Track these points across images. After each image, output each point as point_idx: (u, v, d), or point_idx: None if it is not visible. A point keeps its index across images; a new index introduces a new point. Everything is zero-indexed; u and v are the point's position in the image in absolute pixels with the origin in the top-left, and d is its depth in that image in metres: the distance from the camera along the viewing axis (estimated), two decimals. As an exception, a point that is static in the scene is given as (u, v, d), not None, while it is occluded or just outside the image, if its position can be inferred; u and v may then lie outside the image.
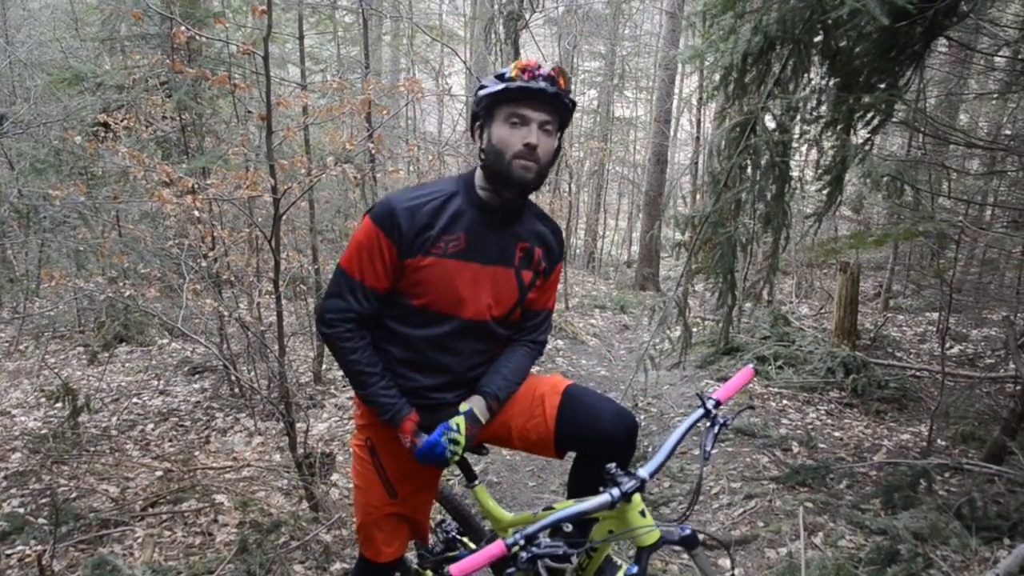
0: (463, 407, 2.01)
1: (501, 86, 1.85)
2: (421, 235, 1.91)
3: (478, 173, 2.00)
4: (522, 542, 1.54)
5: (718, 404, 1.96)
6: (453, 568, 1.43)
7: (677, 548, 2.19)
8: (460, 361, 2.06)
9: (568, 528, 1.71)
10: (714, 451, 4.97)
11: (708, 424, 1.94)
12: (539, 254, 2.08)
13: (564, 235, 2.20)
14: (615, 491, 1.71)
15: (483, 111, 1.92)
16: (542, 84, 1.84)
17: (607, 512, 1.77)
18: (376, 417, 2.06)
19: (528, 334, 2.21)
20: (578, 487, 2.20)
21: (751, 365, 2.14)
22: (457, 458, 1.98)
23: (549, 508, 1.99)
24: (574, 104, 1.95)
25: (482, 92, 1.90)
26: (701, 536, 3.73)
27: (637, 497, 1.78)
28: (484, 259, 1.98)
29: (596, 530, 1.96)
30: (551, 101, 1.87)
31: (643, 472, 1.79)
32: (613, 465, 1.79)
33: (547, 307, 2.23)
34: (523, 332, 2.20)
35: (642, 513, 1.79)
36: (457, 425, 1.96)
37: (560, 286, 12.46)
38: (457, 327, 2.01)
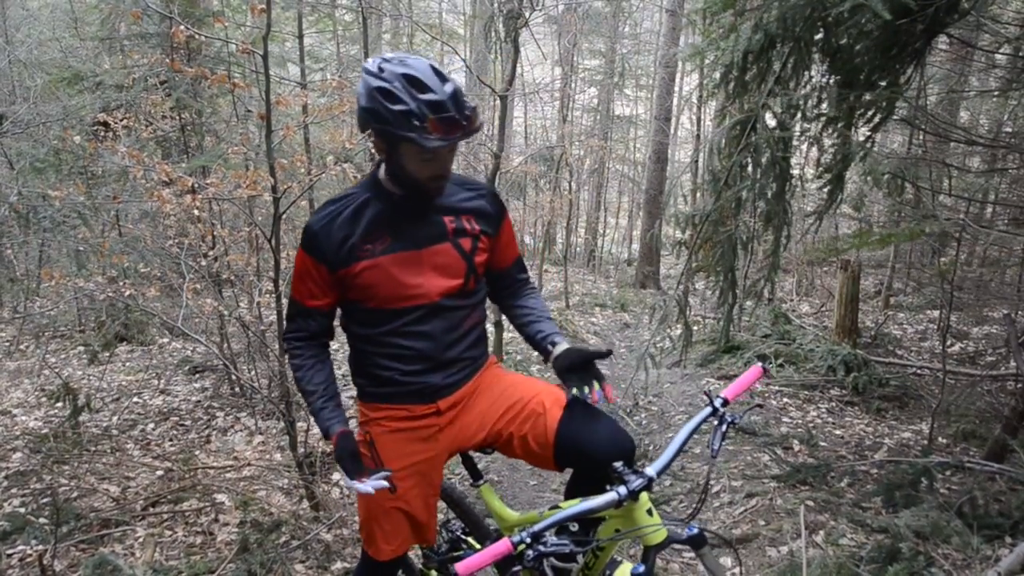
0: (558, 350, 2.11)
1: (426, 143, 1.78)
2: (343, 246, 1.98)
3: (383, 169, 2.02)
4: (528, 540, 1.53)
5: (726, 402, 1.96)
6: (459, 566, 1.43)
7: (680, 547, 2.19)
8: (433, 344, 2.09)
9: (574, 527, 1.71)
10: (699, 453, 4.97)
11: (716, 423, 1.93)
12: (469, 220, 2.10)
13: (495, 191, 2.21)
14: (622, 489, 1.71)
15: (384, 136, 1.86)
16: (460, 136, 1.83)
17: (614, 511, 1.77)
18: (373, 413, 2.17)
19: (514, 286, 2.33)
20: (575, 490, 2.21)
21: (759, 363, 2.13)
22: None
23: (555, 507, 1.99)
24: (480, 127, 1.92)
25: (382, 125, 1.82)
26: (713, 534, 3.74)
27: (644, 495, 1.77)
28: (416, 244, 2.02)
29: (603, 529, 1.96)
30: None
31: (650, 470, 1.78)
32: (620, 463, 1.79)
33: (512, 261, 2.30)
34: (515, 284, 2.33)
35: (649, 512, 1.78)
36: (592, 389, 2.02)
37: (560, 284, 12.47)
38: (419, 315, 2.05)
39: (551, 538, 1.59)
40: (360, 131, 2.04)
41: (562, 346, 2.12)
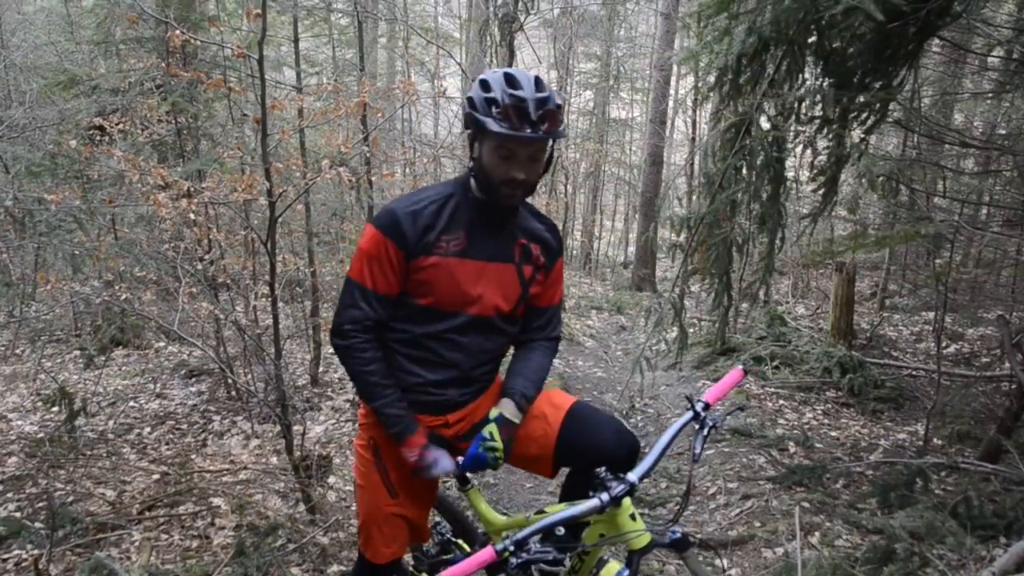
0: (492, 413, 2.05)
1: (495, 127, 1.84)
2: (424, 237, 1.97)
3: (472, 177, 2.04)
4: (512, 548, 1.54)
5: (707, 406, 1.98)
6: (443, 574, 1.45)
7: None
8: (466, 357, 2.09)
9: (560, 531, 1.72)
10: (709, 452, 4.98)
11: (697, 427, 1.94)
12: (536, 249, 2.12)
13: (560, 232, 2.22)
14: (604, 496, 1.72)
15: (473, 126, 1.93)
16: (528, 133, 1.85)
17: (598, 516, 1.78)
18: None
19: (540, 332, 2.26)
20: (572, 491, 2.22)
21: (741, 366, 2.15)
22: (502, 462, 2.04)
23: (541, 512, 2.00)
24: (564, 135, 1.99)
25: (471, 114, 1.90)
26: (698, 536, 3.74)
27: (627, 501, 1.79)
28: (485, 256, 2.04)
29: (588, 533, 1.97)
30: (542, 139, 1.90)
31: (632, 476, 1.80)
32: (603, 469, 1.80)
33: (553, 303, 2.27)
34: (534, 331, 2.25)
35: (632, 516, 1.80)
36: (490, 433, 2.01)
37: (557, 287, 12.45)
38: (463, 323, 2.05)
39: (535, 545, 1.59)
40: (464, 128, 2.03)
41: (502, 407, 2.08)
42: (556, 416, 2.12)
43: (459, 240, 2.00)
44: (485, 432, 2.01)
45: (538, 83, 1.89)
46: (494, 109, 1.85)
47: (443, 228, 1.99)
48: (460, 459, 2.06)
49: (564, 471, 2.29)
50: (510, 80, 1.87)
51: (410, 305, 2.05)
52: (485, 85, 1.89)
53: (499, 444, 2.00)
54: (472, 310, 2.04)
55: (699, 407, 1.96)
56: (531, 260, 2.12)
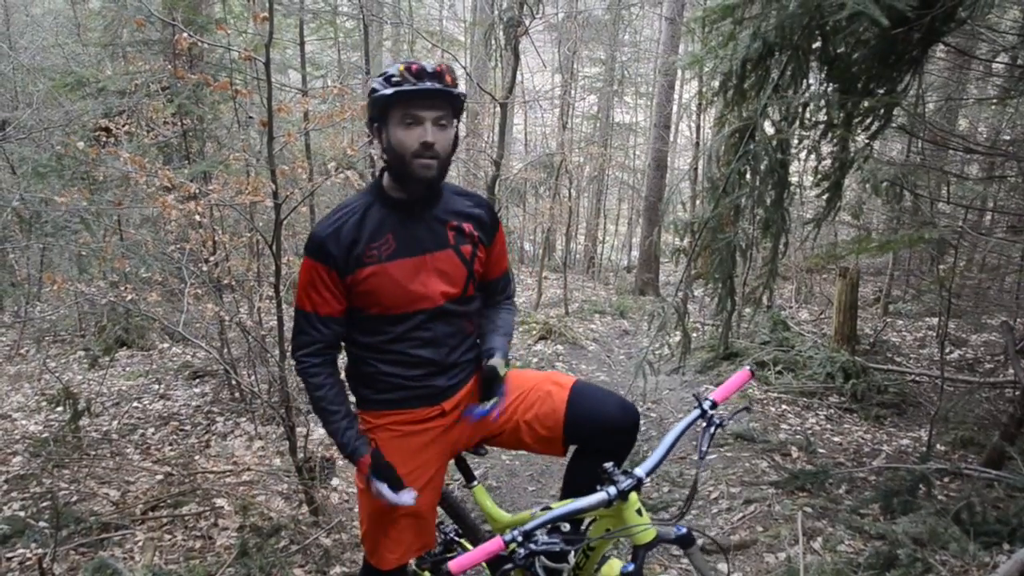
0: (497, 367, 2.12)
1: (392, 90, 1.90)
2: (351, 251, 2.01)
3: (386, 175, 2.08)
4: (520, 539, 1.55)
5: (714, 405, 1.98)
6: (452, 564, 1.45)
7: (676, 552, 2.20)
8: (435, 350, 2.13)
9: (566, 527, 1.73)
10: (712, 456, 4.98)
11: (704, 425, 1.95)
12: (469, 227, 2.15)
13: (491, 205, 2.28)
14: (612, 489, 1.73)
15: (377, 114, 1.98)
16: (429, 84, 1.90)
17: (604, 510, 1.79)
18: (377, 420, 2.16)
19: (499, 295, 2.37)
20: (573, 484, 2.24)
21: (748, 367, 2.16)
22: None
23: (547, 508, 2.01)
24: (464, 96, 2.01)
25: (374, 95, 1.95)
26: (700, 540, 3.74)
27: (634, 496, 1.79)
28: (419, 250, 2.07)
29: (593, 528, 1.98)
30: (441, 97, 1.94)
31: (639, 471, 1.80)
32: (610, 464, 1.81)
33: (504, 270, 2.36)
34: (494, 296, 2.36)
35: (639, 512, 1.80)
36: (495, 402, 2.11)
37: (559, 291, 12.48)
38: (420, 320, 2.09)
39: (542, 537, 1.60)
40: (371, 141, 2.10)
41: (493, 360, 2.15)
42: (561, 395, 2.16)
43: (387, 243, 2.03)
44: (492, 401, 2.11)
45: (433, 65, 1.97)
46: (393, 78, 1.91)
47: (369, 237, 2.02)
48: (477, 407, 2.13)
49: (562, 471, 2.30)
50: (405, 63, 1.95)
51: (364, 318, 2.10)
52: (381, 74, 1.97)
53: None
54: (422, 305, 2.07)
55: (706, 405, 1.97)
56: (467, 239, 2.14)
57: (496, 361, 2.12)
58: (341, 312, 2.08)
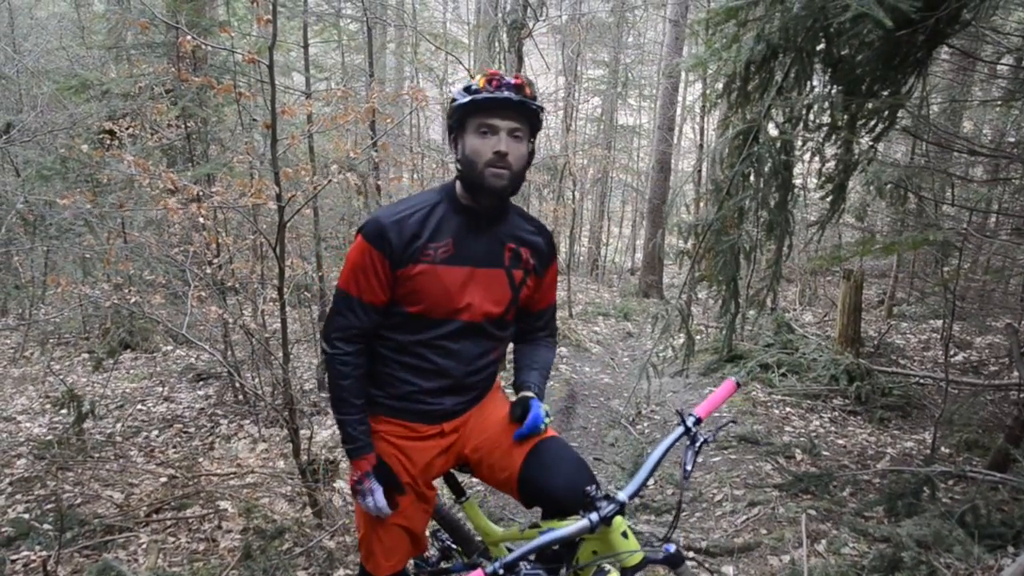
0: (529, 403, 2.12)
1: (468, 98, 1.92)
2: (411, 245, 1.99)
3: (458, 182, 2.06)
4: (501, 571, 1.53)
5: (699, 421, 1.95)
6: None
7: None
8: (458, 364, 2.11)
9: (556, 546, 1.71)
10: (716, 459, 4.97)
11: (688, 442, 1.92)
12: (526, 253, 2.14)
13: (553, 235, 2.25)
14: (594, 516, 1.71)
15: (455, 123, 2.00)
16: (506, 94, 1.91)
17: (590, 534, 1.77)
18: (376, 425, 2.15)
19: (540, 332, 2.32)
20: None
21: (733, 378, 2.13)
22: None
23: (535, 525, 2.00)
24: (541, 109, 2.01)
25: (453, 104, 1.96)
26: (704, 543, 3.73)
27: (618, 519, 1.77)
28: (473, 262, 2.05)
29: (581, 551, 1.95)
30: (518, 109, 1.94)
31: (622, 495, 1.77)
32: (593, 487, 1.79)
33: (550, 304, 2.32)
34: (535, 331, 2.32)
35: (624, 535, 1.79)
36: (547, 410, 2.10)
37: (563, 293, 12.47)
38: (454, 329, 2.07)
39: (525, 567, 1.58)
40: (449, 149, 2.09)
41: (523, 394, 2.16)
42: (520, 453, 2.09)
43: (446, 247, 2.01)
44: (542, 410, 2.09)
45: (516, 77, 1.97)
46: (471, 89, 1.93)
47: (430, 236, 2.01)
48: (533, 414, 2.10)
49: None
50: (487, 73, 1.96)
51: (400, 313, 2.06)
52: (465, 86, 1.98)
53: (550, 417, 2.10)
54: (462, 316, 2.06)
55: (690, 422, 1.93)
56: (521, 264, 2.13)
57: (529, 394, 2.15)
58: (383, 303, 2.05)
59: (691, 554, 3.63)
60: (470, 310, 2.06)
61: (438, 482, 2.32)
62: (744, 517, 4.08)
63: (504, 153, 1.92)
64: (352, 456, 2.09)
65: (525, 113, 1.96)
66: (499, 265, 2.09)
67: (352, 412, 2.07)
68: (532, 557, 1.63)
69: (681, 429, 1.94)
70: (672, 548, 1.79)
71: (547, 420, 2.09)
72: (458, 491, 2.43)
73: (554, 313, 2.35)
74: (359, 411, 2.08)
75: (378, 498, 2.06)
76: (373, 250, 1.98)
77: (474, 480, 4.14)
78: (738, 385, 2.14)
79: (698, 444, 1.90)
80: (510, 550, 1.87)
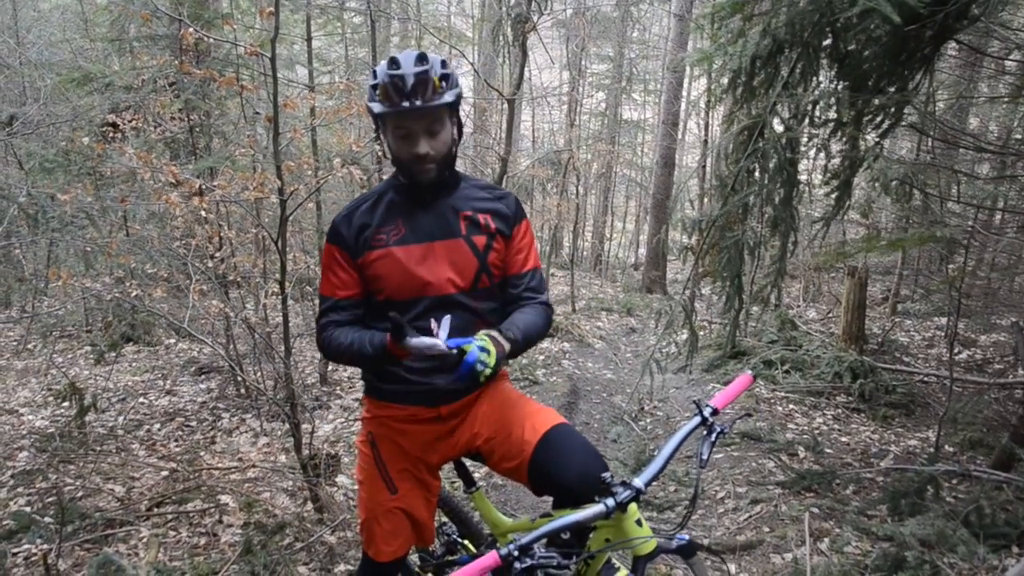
0: (483, 332, 1.93)
1: (377, 109, 1.94)
2: (361, 234, 2.08)
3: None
4: (516, 553, 1.52)
5: (715, 411, 1.94)
6: None
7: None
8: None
9: (566, 535, 1.69)
10: (718, 456, 4.96)
11: (705, 432, 1.91)
12: (485, 218, 2.12)
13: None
14: (610, 501, 1.69)
15: (374, 122, 2.04)
16: (405, 106, 1.89)
17: (603, 521, 1.76)
18: (377, 410, 2.19)
19: (527, 295, 2.19)
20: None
21: (750, 371, 2.12)
22: (489, 371, 1.81)
23: (547, 515, 1.98)
24: (458, 96, 1.99)
25: (368, 106, 1.99)
26: (706, 540, 3.73)
27: (633, 506, 1.76)
28: (428, 236, 2.07)
29: (593, 538, 1.94)
30: (425, 109, 1.92)
31: (638, 482, 1.76)
32: (609, 474, 1.78)
33: (528, 268, 2.21)
34: (520, 296, 2.19)
35: (638, 522, 1.77)
36: (483, 342, 1.85)
37: (566, 288, 12.47)
38: (425, 307, 2.06)
39: (540, 550, 1.57)
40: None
41: (487, 331, 1.96)
42: (533, 437, 2.06)
43: (396, 229, 2.07)
44: (479, 341, 1.84)
45: (420, 59, 1.91)
46: (376, 92, 1.93)
47: (379, 222, 2.08)
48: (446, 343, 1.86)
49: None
50: (392, 62, 1.91)
51: (373, 304, 2.13)
52: (373, 74, 1.97)
53: (491, 349, 1.84)
54: (428, 292, 2.06)
55: (707, 412, 1.93)
56: (481, 230, 2.11)
57: (493, 332, 1.94)
58: (359, 295, 2.13)
59: (693, 552, 3.62)
60: (437, 284, 2.05)
61: (448, 474, 2.31)
62: (747, 514, 4.07)
63: (423, 155, 1.96)
64: (383, 351, 1.97)
65: (436, 109, 1.94)
66: (456, 235, 2.08)
67: (359, 341, 2.04)
68: (544, 542, 1.61)
69: (698, 419, 1.93)
70: (686, 538, 1.78)
71: (488, 362, 1.81)
72: (468, 480, 2.41)
73: (541, 278, 2.25)
74: (369, 339, 2.02)
75: (424, 338, 1.85)
76: (333, 247, 2.11)
77: (477, 476, 4.15)
78: (754, 378, 2.12)
79: (715, 435, 1.89)
80: None
